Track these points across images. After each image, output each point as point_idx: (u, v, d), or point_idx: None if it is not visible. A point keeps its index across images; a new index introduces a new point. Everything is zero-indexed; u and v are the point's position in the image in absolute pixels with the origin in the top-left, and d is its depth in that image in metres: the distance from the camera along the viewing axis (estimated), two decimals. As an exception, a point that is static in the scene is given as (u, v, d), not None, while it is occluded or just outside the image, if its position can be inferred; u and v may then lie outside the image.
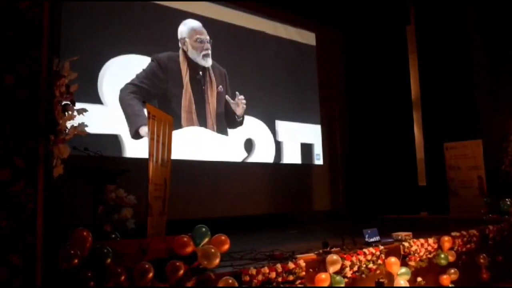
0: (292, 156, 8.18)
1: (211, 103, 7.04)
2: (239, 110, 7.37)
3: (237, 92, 7.36)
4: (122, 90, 6.07)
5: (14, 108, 2.12)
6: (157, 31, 6.63)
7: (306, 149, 8.46)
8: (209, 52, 7.02)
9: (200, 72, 6.99)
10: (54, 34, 2.40)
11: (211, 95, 7.06)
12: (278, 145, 7.96)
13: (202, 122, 6.89)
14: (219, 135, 7.14)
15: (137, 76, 6.25)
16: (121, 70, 6.11)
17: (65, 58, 2.47)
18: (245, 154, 7.48)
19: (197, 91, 6.90)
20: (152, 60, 6.44)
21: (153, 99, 6.33)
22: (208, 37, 7.05)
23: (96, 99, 5.80)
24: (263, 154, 7.73)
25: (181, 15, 6.93)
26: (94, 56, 5.84)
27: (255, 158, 7.58)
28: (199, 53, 6.93)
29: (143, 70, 6.33)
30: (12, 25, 2.14)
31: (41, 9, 2.23)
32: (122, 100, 6.04)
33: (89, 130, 2.66)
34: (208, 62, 7.03)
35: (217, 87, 7.17)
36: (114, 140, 5.89)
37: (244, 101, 7.38)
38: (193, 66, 6.89)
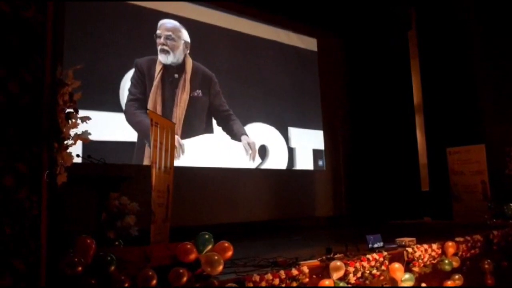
0: (302, 162, 8.21)
1: (180, 107, 6.74)
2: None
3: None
4: (125, 110, 6.02)
5: (18, 114, 2.13)
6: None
7: (308, 154, 8.46)
8: (165, 47, 6.67)
9: (176, 75, 6.78)
10: (57, 42, 2.41)
11: (181, 98, 6.76)
12: (283, 151, 7.96)
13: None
14: (231, 141, 7.19)
15: (129, 88, 6.23)
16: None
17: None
18: (249, 160, 7.48)
19: (169, 93, 6.66)
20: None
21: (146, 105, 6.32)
22: (166, 32, 6.73)
23: (117, 107, 5.88)
24: (270, 161, 7.73)
25: (184, 21, 6.97)
26: (115, 65, 5.95)
27: (257, 163, 7.59)
28: (158, 49, 6.68)
29: (130, 79, 6.26)
30: (16, 33, 2.16)
31: (45, 17, 2.25)
32: (127, 113, 6.00)
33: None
34: (167, 59, 6.67)
35: (193, 91, 6.89)
36: (131, 147, 5.86)
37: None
38: (167, 68, 6.70)
